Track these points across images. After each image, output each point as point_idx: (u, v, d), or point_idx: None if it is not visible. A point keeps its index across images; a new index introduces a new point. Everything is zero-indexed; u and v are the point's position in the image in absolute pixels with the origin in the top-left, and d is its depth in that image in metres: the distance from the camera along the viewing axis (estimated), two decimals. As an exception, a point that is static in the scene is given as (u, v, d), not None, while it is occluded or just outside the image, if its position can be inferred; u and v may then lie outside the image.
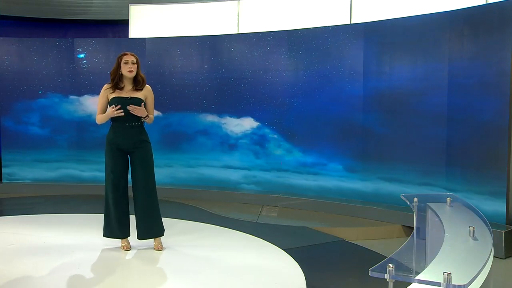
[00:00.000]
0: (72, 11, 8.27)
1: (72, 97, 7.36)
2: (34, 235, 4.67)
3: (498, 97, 4.73)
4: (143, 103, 4.07)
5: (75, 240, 4.50)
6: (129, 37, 7.53)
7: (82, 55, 7.30)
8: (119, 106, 3.95)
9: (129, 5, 7.56)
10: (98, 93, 4.23)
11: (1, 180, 7.51)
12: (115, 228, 4.15)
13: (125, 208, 4.16)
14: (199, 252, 4.21)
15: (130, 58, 4.04)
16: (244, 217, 5.68)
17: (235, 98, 6.88)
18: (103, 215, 4.18)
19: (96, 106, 4.19)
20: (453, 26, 5.14)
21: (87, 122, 7.32)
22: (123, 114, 3.96)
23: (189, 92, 7.05)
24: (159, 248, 4.18)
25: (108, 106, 4.07)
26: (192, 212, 5.88)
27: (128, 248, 4.18)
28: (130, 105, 3.96)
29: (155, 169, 4.23)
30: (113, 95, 4.05)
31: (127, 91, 4.06)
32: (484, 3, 5.11)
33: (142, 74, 4.14)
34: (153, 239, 4.24)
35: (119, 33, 8.14)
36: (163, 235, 4.25)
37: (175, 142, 7.15)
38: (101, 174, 7.21)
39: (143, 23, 7.51)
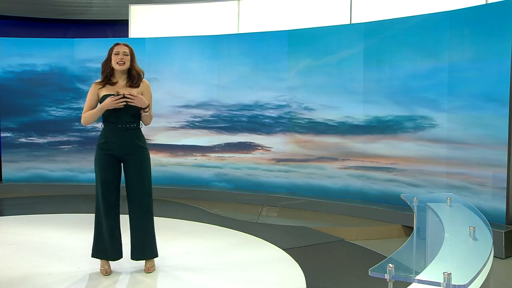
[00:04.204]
0: (72, 11, 8.25)
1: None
2: (34, 235, 4.67)
3: (498, 97, 4.73)
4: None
5: (75, 240, 4.50)
6: (129, 37, 7.53)
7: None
8: (121, 96, 3.36)
9: (129, 5, 7.56)
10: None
11: (1, 180, 7.51)
12: (107, 248, 3.57)
13: (117, 225, 3.59)
14: (199, 252, 4.21)
15: (121, 48, 3.49)
16: (244, 217, 5.68)
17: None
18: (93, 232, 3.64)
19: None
20: (453, 26, 5.14)
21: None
22: (123, 105, 3.37)
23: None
24: (150, 270, 3.63)
25: (98, 104, 3.51)
26: (191, 212, 5.88)
27: (108, 272, 3.56)
28: (127, 94, 3.39)
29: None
30: (103, 92, 3.48)
31: (120, 87, 3.50)
32: (484, 3, 5.12)
33: (138, 68, 3.57)
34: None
35: (119, 33, 8.13)
36: (157, 256, 3.70)
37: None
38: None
39: (143, 23, 7.51)
